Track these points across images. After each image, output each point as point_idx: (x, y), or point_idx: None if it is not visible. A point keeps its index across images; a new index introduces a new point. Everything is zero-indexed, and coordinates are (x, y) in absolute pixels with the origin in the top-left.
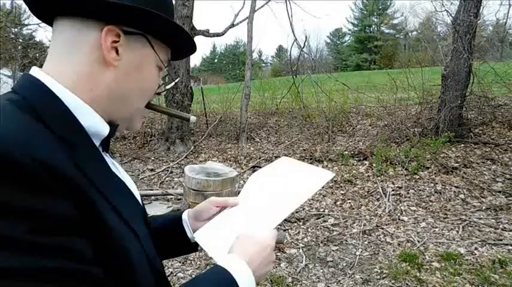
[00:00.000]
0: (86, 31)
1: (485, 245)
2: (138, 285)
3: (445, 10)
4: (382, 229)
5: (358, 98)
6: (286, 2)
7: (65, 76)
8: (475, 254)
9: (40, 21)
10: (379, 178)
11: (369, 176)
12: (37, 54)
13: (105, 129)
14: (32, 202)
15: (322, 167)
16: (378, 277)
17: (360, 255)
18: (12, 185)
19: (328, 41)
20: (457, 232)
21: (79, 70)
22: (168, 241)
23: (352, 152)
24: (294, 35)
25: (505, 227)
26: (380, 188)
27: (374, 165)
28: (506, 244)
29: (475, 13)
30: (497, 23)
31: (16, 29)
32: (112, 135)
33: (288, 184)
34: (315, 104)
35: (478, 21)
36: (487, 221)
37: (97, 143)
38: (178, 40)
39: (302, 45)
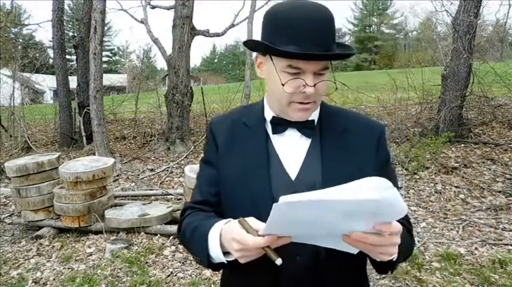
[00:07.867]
0: None
1: (485, 245)
2: (234, 203)
3: (445, 10)
4: None
5: (358, 98)
6: None
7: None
8: (475, 254)
9: (40, 21)
10: None
11: None
12: (37, 54)
13: (269, 118)
14: (205, 144)
15: None
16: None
17: None
18: (206, 134)
19: None
20: (457, 232)
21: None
22: None
23: None
24: None
25: (505, 227)
26: None
27: None
28: (506, 244)
29: (475, 13)
30: (497, 23)
31: (16, 29)
32: (288, 122)
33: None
34: None
35: (478, 21)
36: (487, 221)
37: (268, 125)
38: (289, 54)
39: None
